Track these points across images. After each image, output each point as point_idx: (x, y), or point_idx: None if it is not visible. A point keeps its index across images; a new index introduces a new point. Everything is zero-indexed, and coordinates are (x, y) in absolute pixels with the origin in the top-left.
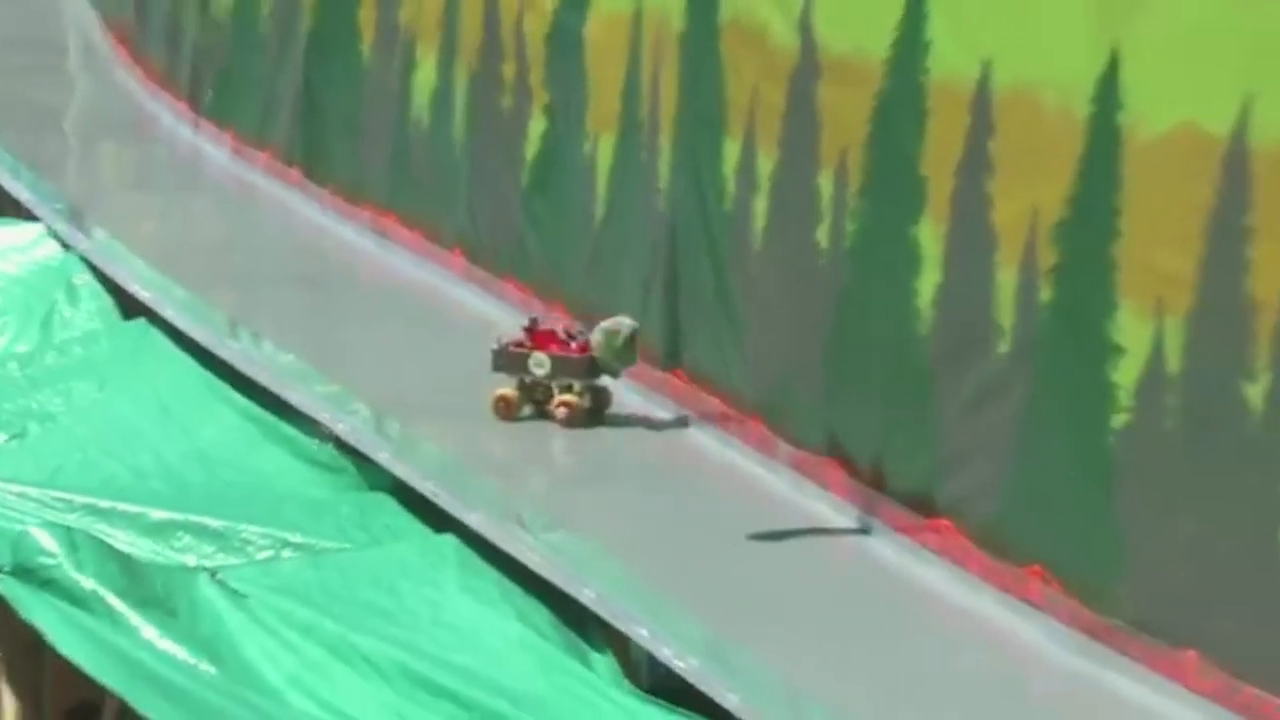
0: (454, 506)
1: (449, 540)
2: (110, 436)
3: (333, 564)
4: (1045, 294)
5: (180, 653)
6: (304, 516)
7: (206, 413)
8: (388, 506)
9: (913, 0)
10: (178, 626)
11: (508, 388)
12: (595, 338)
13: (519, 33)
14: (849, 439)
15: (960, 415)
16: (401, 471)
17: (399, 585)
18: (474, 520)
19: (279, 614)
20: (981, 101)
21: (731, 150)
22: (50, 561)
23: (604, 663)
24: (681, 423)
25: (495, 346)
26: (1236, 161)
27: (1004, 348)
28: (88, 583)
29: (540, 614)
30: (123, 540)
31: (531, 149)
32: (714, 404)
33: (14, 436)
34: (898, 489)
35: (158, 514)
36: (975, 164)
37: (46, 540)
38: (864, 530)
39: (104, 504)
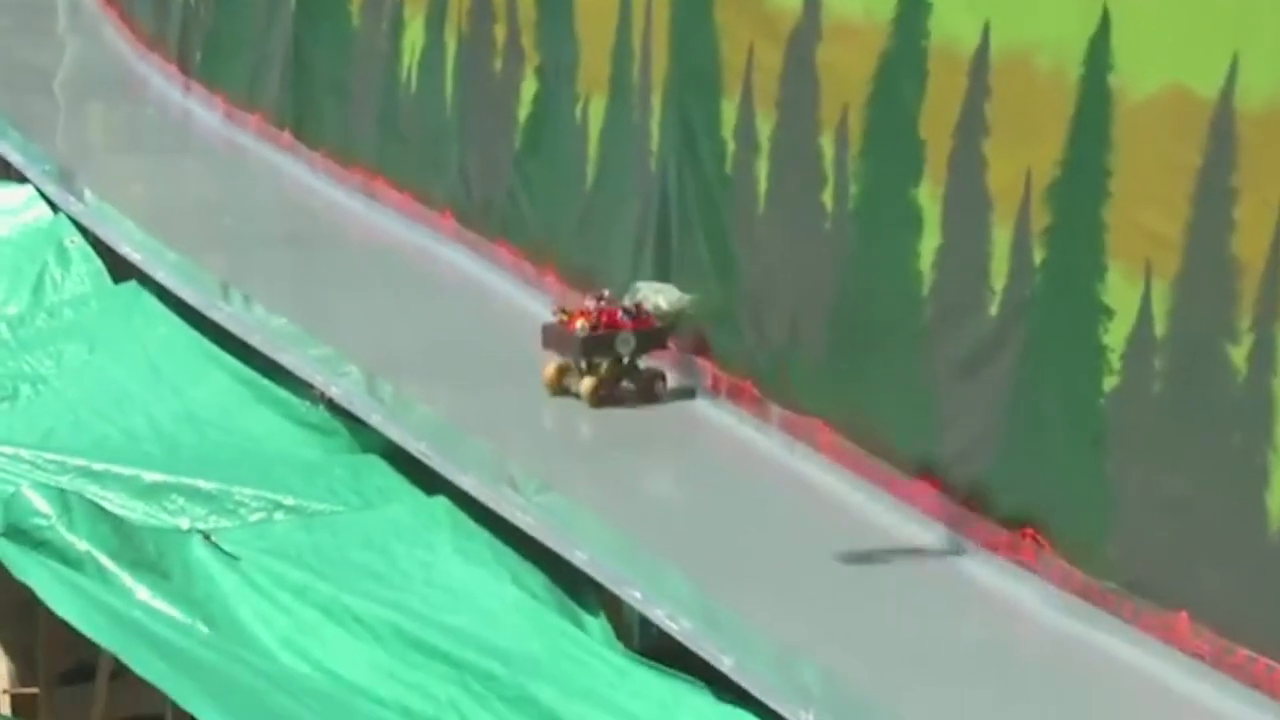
0: (446, 469)
1: (441, 502)
2: (102, 399)
3: (325, 526)
4: (1039, 255)
5: (174, 614)
6: (296, 479)
7: (198, 375)
8: (380, 469)
9: None
10: (171, 588)
11: (586, 371)
12: (658, 306)
13: None
14: (847, 401)
15: (955, 376)
16: (394, 434)
17: (391, 547)
18: (466, 482)
19: (272, 576)
20: (979, 64)
21: (729, 111)
22: (43, 522)
23: (597, 624)
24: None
25: (582, 334)
26: (1223, 123)
27: (997, 309)
28: (81, 544)
29: (533, 576)
30: (115, 503)
31: (523, 111)
32: (707, 366)
33: (5, 399)
34: (891, 450)
35: (150, 476)
36: (972, 126)
37: (39, 501)
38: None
39: (97, 466)
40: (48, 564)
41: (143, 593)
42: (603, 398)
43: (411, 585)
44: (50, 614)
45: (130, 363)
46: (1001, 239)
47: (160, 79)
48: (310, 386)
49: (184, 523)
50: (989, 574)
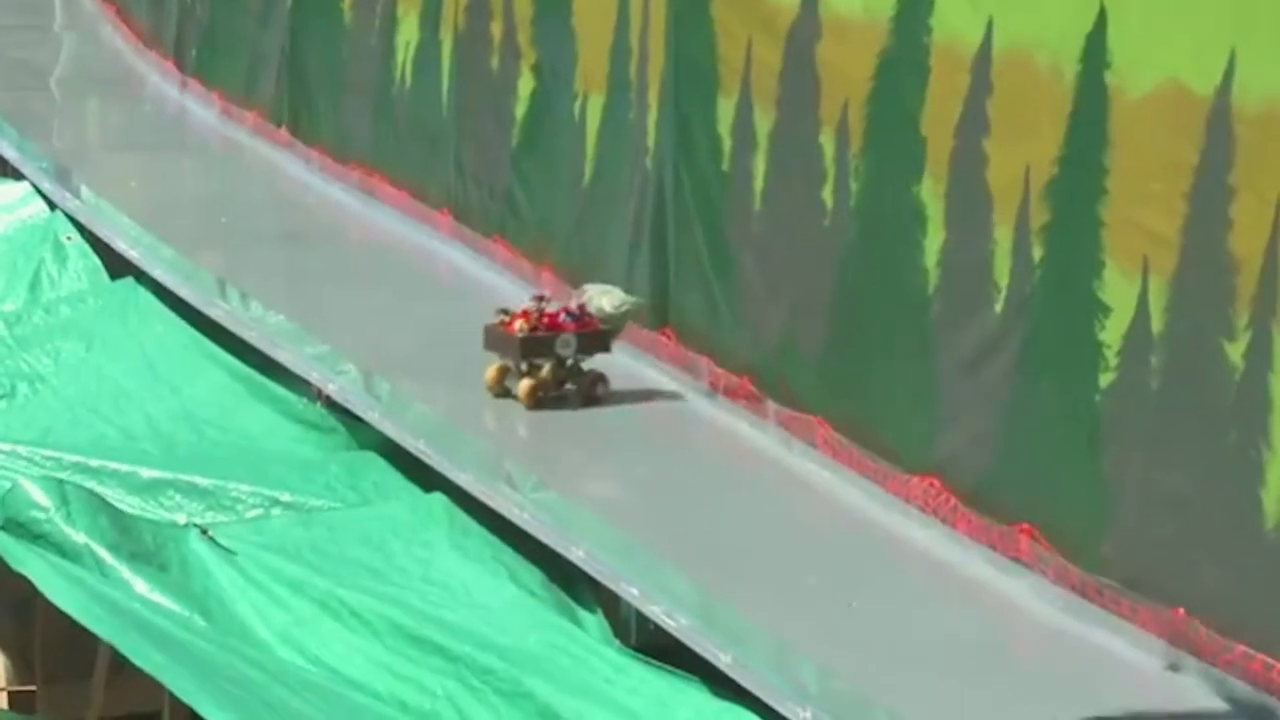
0: (443, 465)
1: (438, 499)
2: (99, 396)
3: (322, 522)
4: (1037, 253)
5: (172, 607)
6: (293, 475)
7: (195, 372)
8: (377, 465)
9: None
10: (169, 582)
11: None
12: (602, 308)
13: None
14: (845, 399)
15: (954, 373)
16: (391, 431)
17: (389, 543)
18: (463, 479)
19: (269, 570)
20: (982, 61)
21: (726, 109)
22: (41, 515)
23: (594, 621)
24: (675, 395)
25: (521, 335)
26: (1219, 120)
27: (997, 307)
28: (79, 536)
29: (530, 572)
30: (113, 499)
31: (520, 108)
32: (703, 363)
33: (2, 396)
34: (889, 448)
35: (148, 473)
36: (974, 123)
37: (37, 494)
38: (856, 487)
39: (94, 463)
40: (46, 556)
41: (141, 585)
42: (541, 400)
43: (409, 581)
44: (48, 610)
45: (127, 360)
46: (1003, 237)
47: (157, 76)
48: (307, 384)
49: (181, 519)
50: (986, 570)
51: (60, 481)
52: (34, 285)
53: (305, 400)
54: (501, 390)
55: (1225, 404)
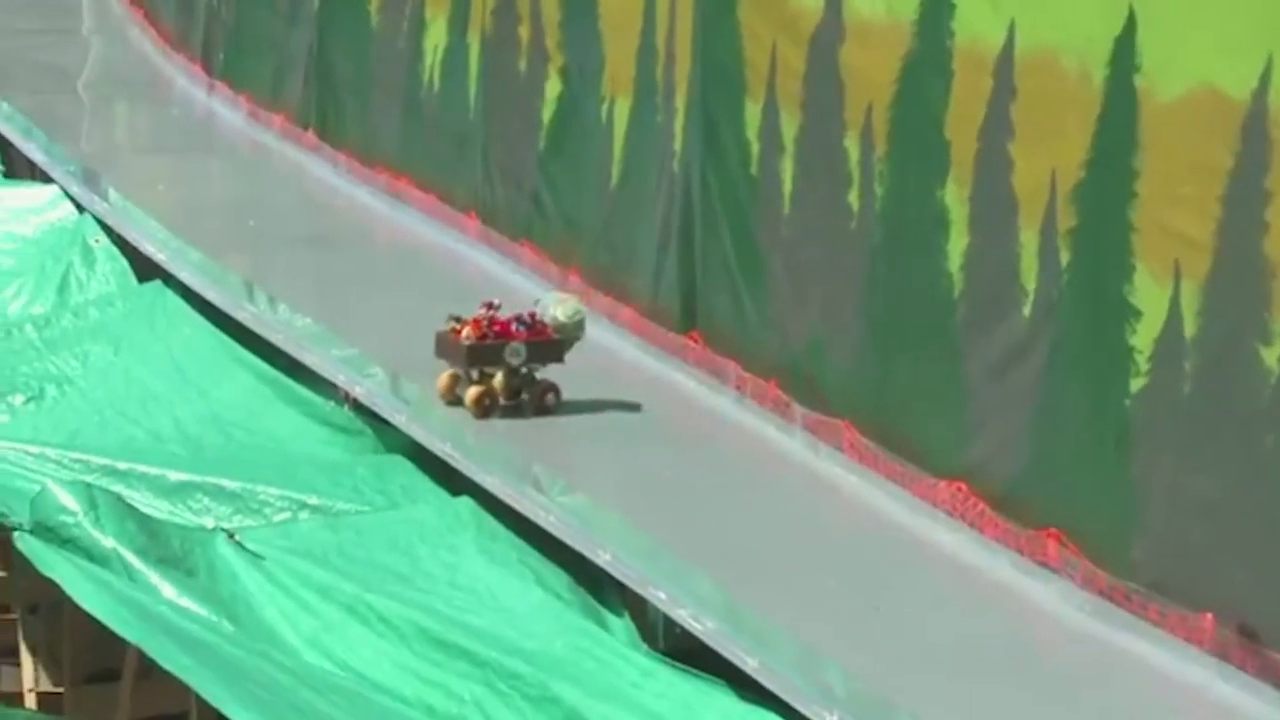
0: (470, 469)
1: (465, 502)
2: (127, 399)
3: (350, 526)
4: (1065, 256)
5: (200, 613)
6: (321, 478)
7: (223, 375)
8: (404, 469)
9: None
10: (196, 586)
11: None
12: (555, 318)
13: None
14: (873, 402)
15: (982, 377)
16: (418, 434)
17: (416, 547)
18: (490, 483)
19: (297, 575)
20: (1004, 64)
21: (753, 112)
22: (70, 519)
23: (620, 625)
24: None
25: (467, 343)
26: (1255, 124)
27: (1025, 311)
28: (107, 541)
29: (557, 576)
30: (141, 502)
31: (547, 111)
32: (730, 367)
33: (31, 399)
34: (917, 452)
35: (175, 476)
36: (998, 127)
37: (65, 497)
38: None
39: (122, 466)
40: (74, 560)
41: (168, 590)
42: (489, 408)
43: (436, 586)
44: (76, 614)
45: (155, 363)
46: (1029, 241)
47: (184, 79)
48: (334, 387)
49: (209, 522)
50: (1013, 575)
51: (89, 485)
52: (62, 288)
53: (333, 403)
54: (454, 398)
55: (1260, 408)
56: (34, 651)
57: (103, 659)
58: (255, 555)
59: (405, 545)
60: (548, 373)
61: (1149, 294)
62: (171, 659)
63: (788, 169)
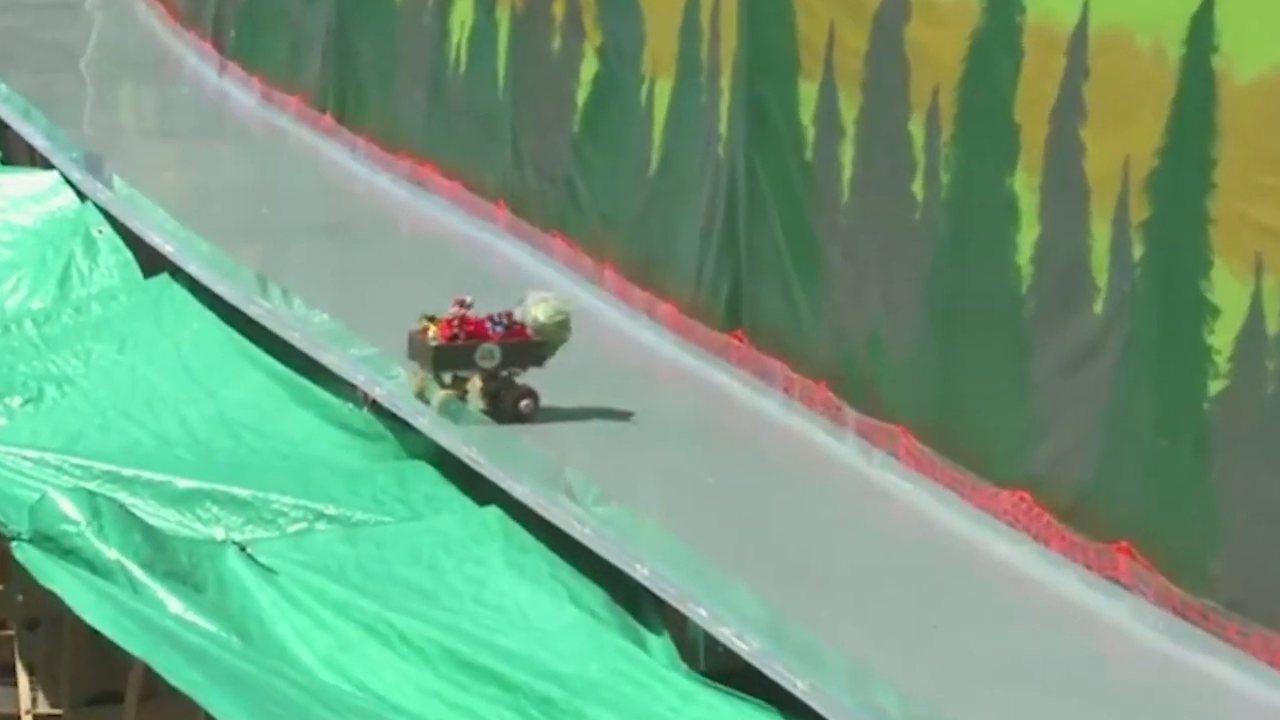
0: (499, 476)
1: (493, 512)
2: (132, 400)
3: (369, 538)
4: (1138, 250)
5: (208, 629)
6: (338, 486)
7: (233, 375)
8: (428, 476)
9: None
10: (205, 602)
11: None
12: (535, 318)
13: None
14: (932, 406)
15: (1051, 378)
16: (442, 439)
17: (440, 561)
18: (520, 491)
19: (312, 591)
20: (1078, 43)
21: (808, 94)
22: (71, 529)
23: (659, 644)
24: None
25: (434, 344)
26: None
27: (1096, 307)
28: (111, 552)
29: (591, 592)
30: (146, 511)
31: (582, 93)
32: (777, 368)
33: (30, 400)
34: (977, 459)
35: (183, 483)
36: (1070, 109)
37: (67, 506)
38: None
39: (126, 472)
40: (76, 571)
41: (175, 605)
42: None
43: (461, 603)
44: (77, 630)
45: (161, 362)
46: (1100, 232)
47: (194, 58)
48: (353, 388)
49: (219, 533)
50: (1080, 591)
51: (91, 493)
52: (63, 282)
53: (351, 405)
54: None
55: None
56: (31, 670)
57: (105, 679)
58: (268, 569)
59: (428, 559)
60: (572, 377)
61: (1228, 290)
62: (180, 674)
63: (847, 154)
